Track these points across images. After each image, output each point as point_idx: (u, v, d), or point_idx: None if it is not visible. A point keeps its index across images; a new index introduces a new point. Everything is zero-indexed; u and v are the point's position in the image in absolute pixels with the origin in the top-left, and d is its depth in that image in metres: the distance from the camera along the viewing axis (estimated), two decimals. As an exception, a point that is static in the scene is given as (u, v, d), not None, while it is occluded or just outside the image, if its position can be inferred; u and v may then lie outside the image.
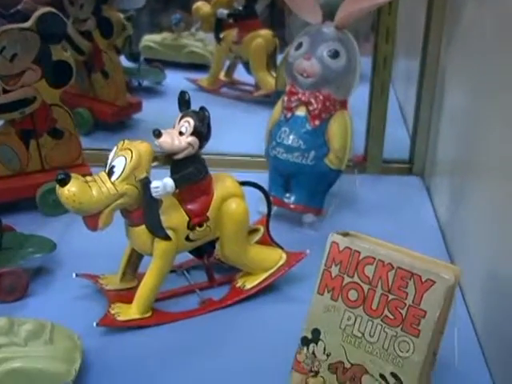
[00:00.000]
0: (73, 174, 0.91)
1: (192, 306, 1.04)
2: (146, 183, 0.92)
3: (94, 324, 0.96)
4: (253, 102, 1.88)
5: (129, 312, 0.99)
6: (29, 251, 1.08)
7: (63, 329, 0.89)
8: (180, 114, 0.97)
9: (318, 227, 1.24)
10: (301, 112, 1.19)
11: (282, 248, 1.08)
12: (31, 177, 1.29)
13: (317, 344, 0.82)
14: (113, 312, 0.99)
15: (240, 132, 1.63)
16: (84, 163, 1.33)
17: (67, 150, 1.31)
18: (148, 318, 0.99)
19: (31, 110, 1.23)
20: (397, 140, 1.54)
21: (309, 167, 1.19)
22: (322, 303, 0.82)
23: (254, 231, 1.10)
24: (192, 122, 0.94)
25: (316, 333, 0.82)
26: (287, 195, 1.23)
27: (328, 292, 0.81)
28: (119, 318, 0.98)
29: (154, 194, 0.92)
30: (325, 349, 0.81)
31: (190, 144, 0.95)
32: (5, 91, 1.20)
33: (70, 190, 0.89)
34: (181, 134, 0.95)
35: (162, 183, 0.93)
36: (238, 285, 1.06)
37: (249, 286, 1.05)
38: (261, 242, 1.09)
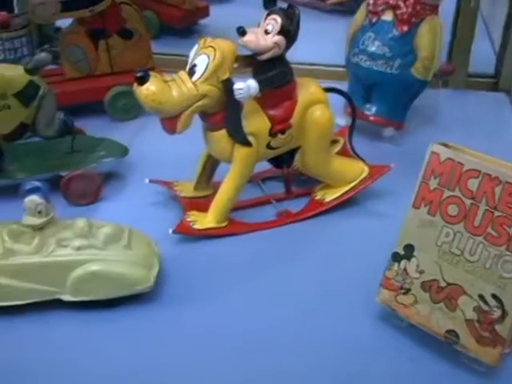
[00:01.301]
0: (152, 73, 0.86)
1: (268, 217, 1.00)
2: (229, 84, 0.86)
3: (170, 231, 0.93)
4: (325, 10, 1.78)
5: (205, 220, 0.95)
6: (101, 154, 1.05)
7: (141, 234, 0.87)
8: (266, 12, 0.90)
9: (399, 142, 1.18)
10: (387, 17, 1.11)
11: (363, 160, 1.03)
12: (100, 80, 1.24)
13: (409, 260, 0.77)
14: (189, 220, 0.95)
15: (314, 41, 1.54)
16: (154, 67, 1.27)
17: (137, 52, 1.26)
18: (224, 227, 0.96)
19: (101, 8, 1.17)
20: (482, 54, 1.44)
21: (393, 76, 1.11)
22: (417, 217, 0.76)
23: (333, 142, 1.04)
24: (279, 20, 0.87)
25: (409, 248, 0.76)
26: (367, 106, 1.16)
27: (425, 206, 0.75)
28: (195, 226, 0.94)
29: (237, 96, 0.86)
30: (418, 266, 0.76)
31: (276, 44, 0.88)
32: (74, -13, 1.15)
33: (149, 89, 0.84)
34: (266, 32, 0.88)
35: (246, 85, 0.87)
36: (317, 197, 1.01)
37: (329, 198, 1.00)
38: (340, 154, 1.04)
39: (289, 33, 0.88)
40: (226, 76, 0.86)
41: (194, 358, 0.78)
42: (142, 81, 0.84)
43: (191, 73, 0.87)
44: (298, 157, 1.00)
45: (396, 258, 0.78)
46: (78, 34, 1.21)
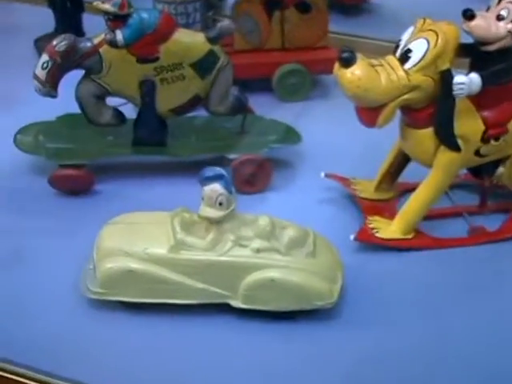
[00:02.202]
0: (359, 54, 0.74)
1: (459, 232, 0.86)
2: (448, 77, 0.73)
3: (351, 237, 0.81)
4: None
5: (389, 229, 0.83)
6: (272, 139, 0.94)
7: (325, 240, 0.75)
8: (499, -5, 0.75)
9: None
10: None
11: None
12: (270, 55, 1.13)
13: None
14: (371, 226, 0.83)
15: None
16: (328, 46, 1.15)
17: (312, 27, 1.14)
18: (410, 239, 0.83)
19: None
20: None
21: None
22: None
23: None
24: (516, 4, 0.73)
25: None
26: None
27: None
28: (378, 235, 0.82)
29: (455, 92, 0.73)
30: None
31: (510, 32, 0.74)
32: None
33: (355, 74, 0.72)
34: (499, 18, 0.74)
35: (468, 79, 0.73)
36: (520, 216, 0.87)
37: (536, 220, 0.85)
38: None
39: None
40: (445, 66, 0.73)
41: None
42: (348, 63, 0.72)
43: (403, 59, 0.74)
44: (502, 167, 0.85)
45: None
46: (253, 3, 1.10)
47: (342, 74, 0.73)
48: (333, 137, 1.01)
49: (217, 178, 0.69)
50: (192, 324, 0.72)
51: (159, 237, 0.71)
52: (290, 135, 0.96)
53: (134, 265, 0.70)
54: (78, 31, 1.25)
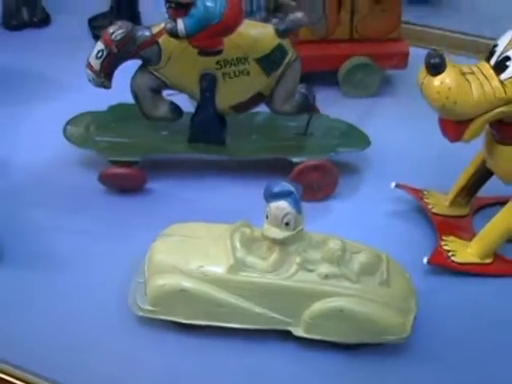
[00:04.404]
0: (448, 61, 0.66)
1: (542, 258, 0.78)
2: (550, 92, 0.65)
3: (425, 260, 0.74)
4: None
5: (466, 253, 0.75)
6: (338, 142, 0.87)
7: (397, 265, 0.68)
8: None
9: None
10: None
11: None
12: (337, 46, 1.05)
13: None
14: (446, 249, 0.75)
15: None
16: (400, 38, 1.06)
17: (384, 18, 1.05)
18: (489, 264, 0.75)
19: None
20: None
21: None
22: None
23: None
24: None
25: None
26: None
27: None
28: (454, 259, 0.75)
29: (558, 109, 0.65)
30: None
31: None
32: None
33: (445, 83, 0.64)
34: None
35: None
36: None
37: None
38: None
39: None
40: (548, 79, 0.64)
41: None
42: (437, 70, 0.64)
43: (499, 67, 0.65)
44: None
45: None
46: (323, -9, 1.02)
47: (428, 83, 0.65)
48: (403, 140, 0.93)
49: (285, 194, 0.61)
50: (248, 350, 0.66)
51: (217, 254, 0.64)
52: (358, 139, 0.88)
53: (188, 284, 0.63)
54: (134, 11, 1.20)
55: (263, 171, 0.86)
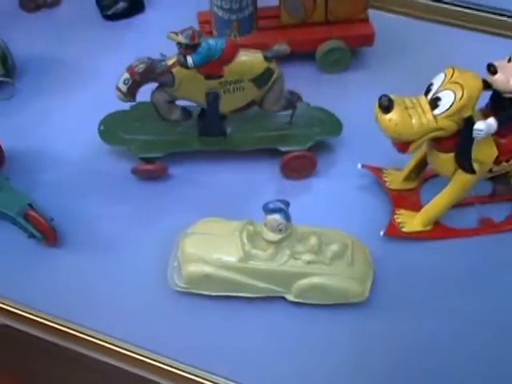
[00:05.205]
0: (395, 99, 0.88)
1: (471, 223, 1.04)
2: (470, 123, 0.87)
3: (381, 233, 1.00)
4: None
5: (413, 223, 1.01)
6: (316, 131, 1.09)
7: (360, 245, 0.94)
8: (519, 50, 0.88)
9: None
10: None
11: None
12: (314, 29, 1.24)
13: None
14: (398, 221, 1.01)
15: None
16: (367, 18, 1.26)
17: (353, 2, 1.23)
18: (429, 231, 1.01)
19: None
20: None
21: None
22: None
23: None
24: (533, 63, 0.86)
25: None
26: None
27: None
28: (404, 229, 1.01)
29: (474, 135, 0.88)
30: None
31: (524, 87, 0.87)
32: None
33: (392, 120, 0.87)
34: (517, 73, 0.87)
35: (486, 126, 0.87)
36: (522, 209, 1.04)
37: (536, 212, 1.03)
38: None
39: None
40: (468, 114, 0.87)
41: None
42: (386, 110, 0.87)
43: (433, 104, 0.88)
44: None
45: None
46: (300, -15, 1.20)
47: (381, 119, 0.88)
48: (368, 119, 1.15)
49: (277, 210, 0.86)
50: (255, 310, 0.93)
51: (230, 248, 0.90)
52: (333, 126, 1.11)
53: (211, 270, 0.90)
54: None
55: (258, 156, 1.10)
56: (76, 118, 1.18)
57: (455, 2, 1.39)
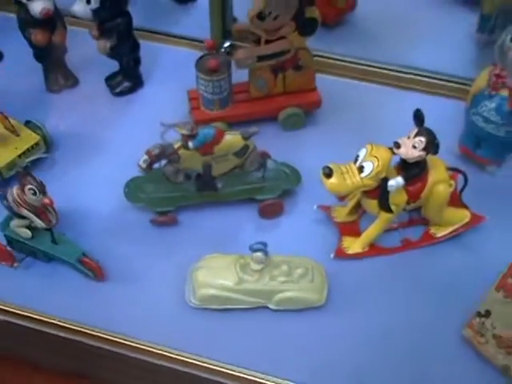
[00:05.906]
0: (334, 168, 1.29)
1: (395, 243, 1.45)
2: (384, 181, 1.29)
3: (332, 256, 1.41)
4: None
5: (354, 246, 1.42)
6: (283, 182, 1.49)
7: (318, 266, 1.36)
8: (415, 130, 1.29)
9: (498, 175, 1.56)
10: (504, 93, 1.44)
11: (467, 208, 1.45)
12: (275, 100, 1.64)
13: (487, 319, 1.24)
14: (344, 246, 1.43)
15: (433, 44, 1.78)
16: (315, 88, 1.66)
17: (304, 78, 1.63)
18: (366, 251, 1.43)
19: (285, 59, 1.56)
20: None
21: (500, 137, 1.47)
22: (497, 296, 1.21)
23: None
24: (424, 140, 1.27)
25: (488, 313, 1.23)
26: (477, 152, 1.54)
27: (503, 292, 1.20)
28: (348, 252, 1.42)
29: (388, 189, 1.30)
30: (492, 324, 1.23)
31: (420, 156, 1.29)
32: (267, 42, 1.53)
33: (333, 183, 1.29)
34: (414, 147, 1.29)
35: (396, 182, 1.29)
36: (430, 231, 1.46)
37: (439, 234, 1.45)
38: (450, 197, 1.45)
39: (429, 149, 1.28)
40: (383, 175, 1.29)
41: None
42: (328, 176, 1.28)
43: (360, 169, 1.29)
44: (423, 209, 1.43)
45: (479, 315, 1.25)
46: (264, 70, 1.59)
47: (325, 183, 1.29)
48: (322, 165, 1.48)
49: (260, 249, 1.28)
50: (245, 316, 1.34)
51: (228, 275, 1.31)
52: (294, 178, 1.50)
53: (216, 292, 1.31)
54: (137, 74, 1.76)
55: (241, 204, 1.50)
56: (103, 181, 1.56)
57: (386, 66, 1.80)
